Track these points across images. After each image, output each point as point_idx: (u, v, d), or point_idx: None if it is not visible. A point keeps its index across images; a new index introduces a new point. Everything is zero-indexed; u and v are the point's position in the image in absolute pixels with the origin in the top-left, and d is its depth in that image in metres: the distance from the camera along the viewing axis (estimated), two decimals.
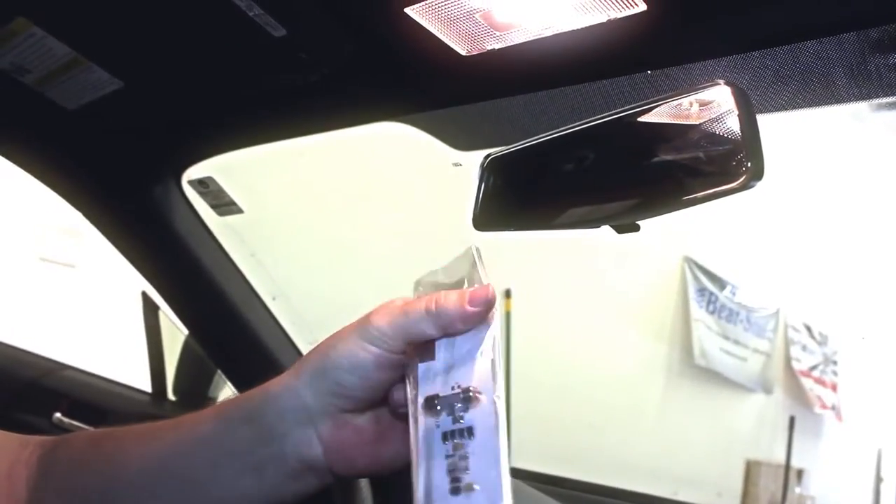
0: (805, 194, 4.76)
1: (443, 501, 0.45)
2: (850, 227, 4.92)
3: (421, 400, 0.49)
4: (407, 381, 0.51)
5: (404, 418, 0.54)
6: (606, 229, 0.58)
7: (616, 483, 1.43)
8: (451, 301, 0.51)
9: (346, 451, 0.55)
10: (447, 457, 0.46)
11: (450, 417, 0.47)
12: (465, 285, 0.54)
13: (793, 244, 5.09)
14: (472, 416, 0.47)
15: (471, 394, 0.48)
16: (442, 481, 0.45)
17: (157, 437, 0.58)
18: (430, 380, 0.50)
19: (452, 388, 0.48)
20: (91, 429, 1.35)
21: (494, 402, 0.47)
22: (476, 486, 0.44)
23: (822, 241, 5.11)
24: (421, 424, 0.48)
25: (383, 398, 0.55)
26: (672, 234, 4.61)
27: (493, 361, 0.49)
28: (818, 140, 4.16)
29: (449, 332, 0.51)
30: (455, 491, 0.45)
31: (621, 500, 1.27)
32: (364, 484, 0.89)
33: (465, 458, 0.45)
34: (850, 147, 4.51)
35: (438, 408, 0.48)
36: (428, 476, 0.46)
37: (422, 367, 0.51)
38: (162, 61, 0.84)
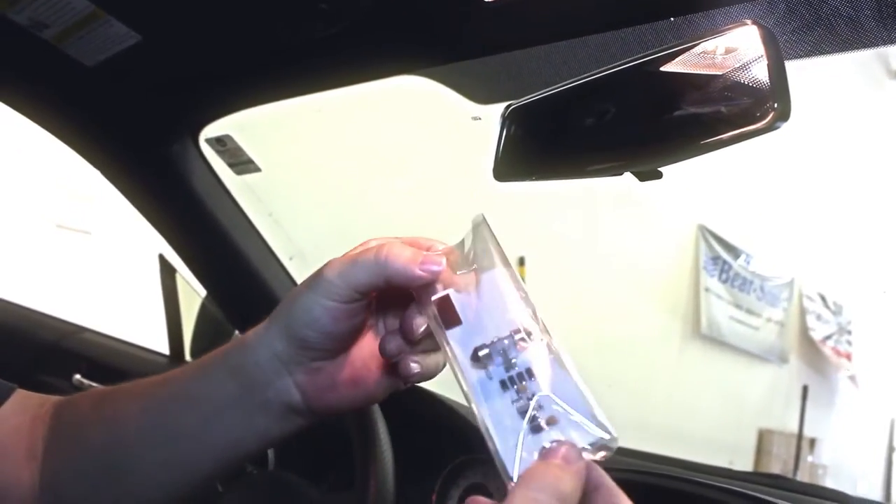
0: (820, 163, 4.73)
1: (526, 441, 0.44)
2: (865, 196, 4.87)
3: (465, 356, 0.48)
4: (442, 345, 0.50)
5: (389, 361, 0.55)
6: (628, 177, 0.58)
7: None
8: (401, 257, 0.51)
9: (322, 395, 0.56)
10: (514, 402, 0.45)
11: (501, 366, 0.46)
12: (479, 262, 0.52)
13: (807, 213, 5.05)
14: (525, 358, 0.46)
15: (517, 337, 0.47)
16: (516, 423, 0.44)
17: (148, 395, 0.60)
18: (467, 339, 0.49)
19: (496, 339, 0.48)
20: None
21: (544, 339, 0.47)
22: (558, 417, 0.43)
23: (836, 210, 5.07)
24: (471, 378, 0.47)
25: (353, 342, 0.56)
26: (686, 202, 4.59)
27: (525, 299, 0.49)
28: (835, 108, 4.11)
29: (392, 285, 0.51)
30: (536, 429, 0.43)
31: (637, 459, 1.28)
32: (375, 409, 0.90)
33: (532, 397, 0.45)
34: (867, 114, 4.47)
35: (488, 356, 0.47)
36: (500, 426, 0.44)
37: (450, 333, 0.50)
38: (180, 13, 0.83)
